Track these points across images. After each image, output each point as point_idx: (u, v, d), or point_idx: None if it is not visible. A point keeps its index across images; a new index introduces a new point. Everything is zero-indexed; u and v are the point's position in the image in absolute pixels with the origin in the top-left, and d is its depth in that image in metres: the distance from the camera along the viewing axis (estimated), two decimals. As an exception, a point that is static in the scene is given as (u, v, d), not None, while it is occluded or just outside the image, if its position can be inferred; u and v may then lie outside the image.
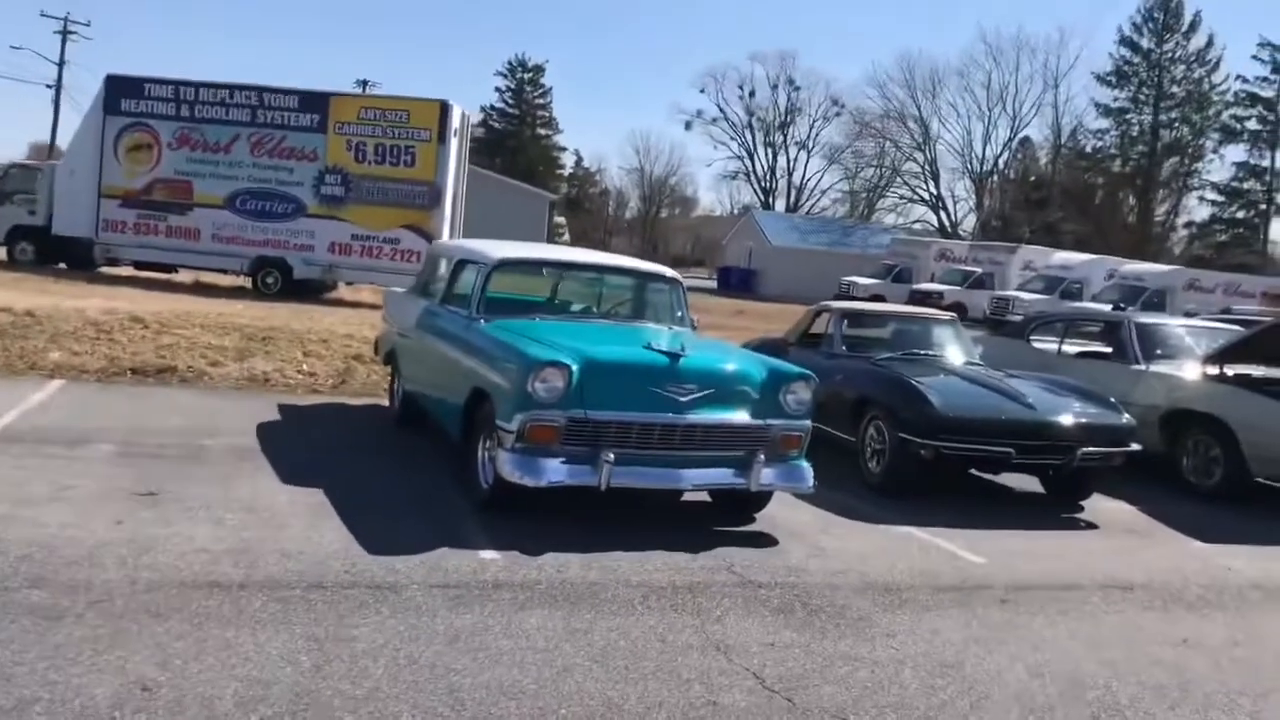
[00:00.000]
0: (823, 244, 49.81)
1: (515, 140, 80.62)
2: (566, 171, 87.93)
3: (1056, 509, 8.08)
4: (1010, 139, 61.74)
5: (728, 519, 6.64)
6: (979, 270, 36.09)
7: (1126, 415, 7.98)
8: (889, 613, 5.21)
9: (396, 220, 20.75)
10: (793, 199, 74.89)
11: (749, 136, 76.13)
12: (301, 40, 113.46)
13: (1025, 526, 7.39)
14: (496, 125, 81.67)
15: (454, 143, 20.98)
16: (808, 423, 6.49)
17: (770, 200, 74.81)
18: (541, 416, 5.86)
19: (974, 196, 61.79)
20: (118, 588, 4.53)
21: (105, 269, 21.56)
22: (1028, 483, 8.41)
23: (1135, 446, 7.90)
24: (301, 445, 7.82)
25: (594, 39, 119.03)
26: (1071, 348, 10.87)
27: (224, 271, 21.21)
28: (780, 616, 5.00)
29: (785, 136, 75.54)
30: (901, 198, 63.75)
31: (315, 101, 20.90)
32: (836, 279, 40.08)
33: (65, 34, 51.68)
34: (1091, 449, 7.63)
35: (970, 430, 7.48)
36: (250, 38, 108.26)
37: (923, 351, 9.17)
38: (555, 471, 5.86)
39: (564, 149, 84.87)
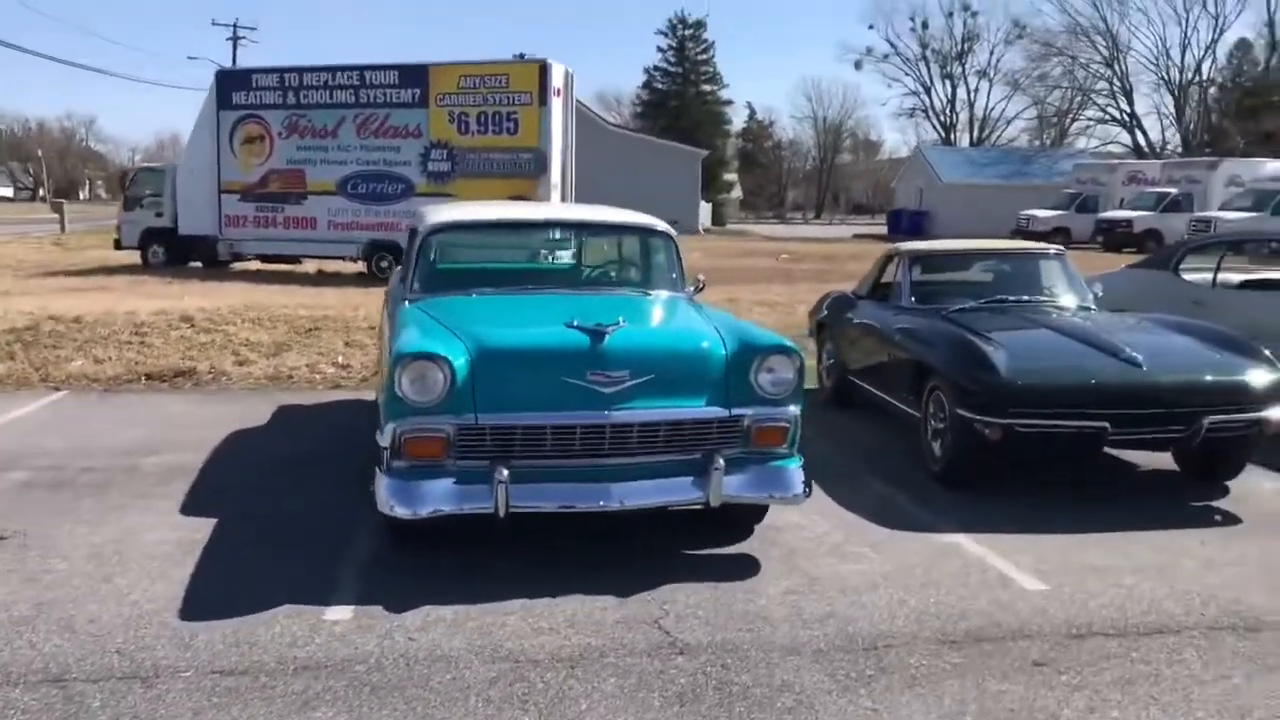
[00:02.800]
0: (1000, 177, 45.79)
1: (679, 100, 78.88)
2: (734, 127, 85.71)
3: (1189, 494, 6.14)
4: (1213, 41, 55.13)
5: (719, 532, 5.15)
6: (1174, 191, 32.09)
7: (1278, 368, 5.92)
8: (846, 694, 3.61)
9: (504, 191, 19.71)
10: (976, 133, 70.20)
11: (924, 70, 71.77)
12: (460, 19, 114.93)
13: (1132, 523, 5.51)
14: (660, 86, 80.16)
15: (557, 104, 19.79)
16: (793, 409, 4.89)
17: (952, 136, 70.40)
18: (419, 425, 4.53)
19: (1174, 111, 55.58)
20: None
21: (235, 264, 21.62)
22: (1161, 456, 6.47)
23: (1291, 409, 5.84)
24: (251, 460, 6.79)
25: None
26: (1237, 276, 8.62)
27: (342, 259, 20.85)
28: (673, 709, 3.50)
29: (964, 66, 70.76)
30: (1092, 120, 58.17)
31: (414, 74, 20.14)
32: (1015, 214, 36.81)
33: (235, 40, 53.65)
34: (1223, 416, 5.65)
35: (1050, 400, 5.65)
36: (410, 23, 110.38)
37: (1012, 298, 7.26)
38: (438, 497, 4.51)
39: (729, 103, 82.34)
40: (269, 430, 7.66)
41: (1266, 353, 6.01)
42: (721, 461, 4.65)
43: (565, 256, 6.50)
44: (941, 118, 72.26)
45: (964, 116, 71.40)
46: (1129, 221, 30.30)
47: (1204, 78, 55.42)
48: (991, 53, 68.70)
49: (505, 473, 4.44)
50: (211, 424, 7.72)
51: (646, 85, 76.81)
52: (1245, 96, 52.69)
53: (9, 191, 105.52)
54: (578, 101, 45.73)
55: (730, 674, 3.73)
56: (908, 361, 6.73)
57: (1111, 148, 54.49)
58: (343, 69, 20.61)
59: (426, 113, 19.99)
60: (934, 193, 46.06)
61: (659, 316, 5.46)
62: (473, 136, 19.82)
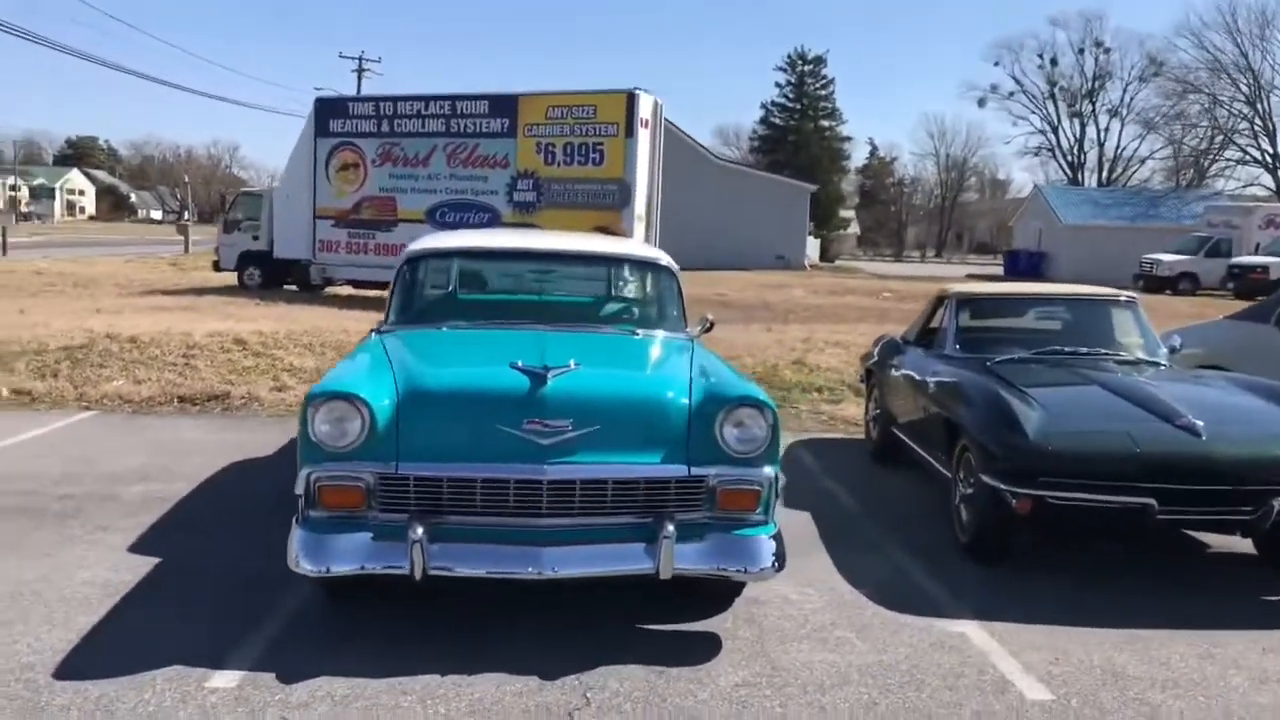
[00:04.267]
0: (1124, 219, 43.54)
1: (797, 134, 78.11)
2: (853, 162, 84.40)
3: (1263, 586, 5.26)
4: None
5: (694, 602, 4.57)
6: (1317, 236, 29.95)
7: (1373, 444, 5.02)
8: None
9: (587, 222, 19.41)
10: (1105, 173, 67.48)
11: (1051, 108, 69.50)
12: (577, 53, 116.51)
13: (1184, 618, 4.68)
14: (778, 121, 79.57)
15: (644, 135, 19.44)
16: (766, 470, 4.27)
17: (1080, 176, 67.81)
18: (335, 472, 4.08)
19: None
20: None
21: (327, 289, 21.85)
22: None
23: (1385, 490, 4.93)
24: (234, 493, 6.48)
25: (876, 24, 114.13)
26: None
27: (429, 286, 20.81)
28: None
29: (1094, 104, 68.22)
30: (1231, 161, 55.07)
31: (504, 104, 20.09)
32: (1139, 258, 34.93)
33: (360, 72, 55.19)
34: (1295, 499, 4.79)
35: (1086, 470, 4.89)
36: (526, 52, 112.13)
37: (1069, 349, 6.46)
38: (350, 554, 4.04)
39: (848, 139, 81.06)
40: (270, 462, 7.35)
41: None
42: (672, 529, 4.06)
43: (565, 289, 6.01)
44: (1069, 157, 69.77)
45: (1092, 156, 68.79)
46: (1264, 267, 28.31)
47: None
48: (1124, 90, 66.08)
49: (420, 531, 3.95)
50: (217, 451, 7.48)
51: (764, 120, 76.34)
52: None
53: (159, 214, 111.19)
54: (686, 135, 45.62)
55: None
56: (939, 417, 6.03)
57: (1254, 190, 51.57)
58: (435, 98, 20.70)
59: (514, 142, 19.89)
60: (1053, 234, 44.17)
61: (627, 359, 4.91)
62: (559, 167, 19.63)
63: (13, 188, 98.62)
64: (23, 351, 10.66)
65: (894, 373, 7.40)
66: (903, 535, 5.96)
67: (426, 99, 20.76)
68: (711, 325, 6.17)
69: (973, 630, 4.53)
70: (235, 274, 22.53)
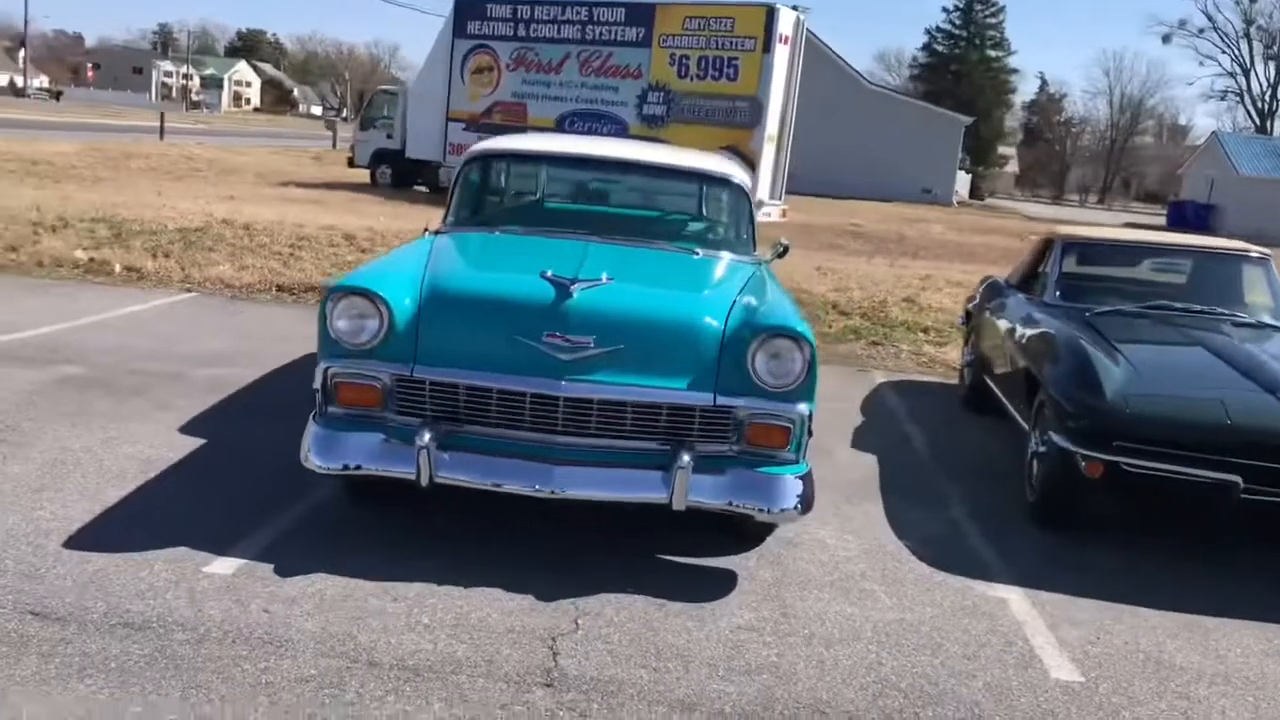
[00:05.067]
0: (1310, 174, 40.33)
1: (960, 63, 74.61)
2: (1019, 97, 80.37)
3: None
4: None
5: (726, 536, 4.38)
6: None
7: None
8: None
9: (716, 140, 18.91)
10: (1297, 123, 62.51)
11: (1244, 49, 64.51)
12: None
13: (1252, 608, 4.23)
14: (941, 49, 76.11)
15: (782, 52, 18.75)
16: (800, 407, 4.00)
17: (1269, 125, 63.06)
18: (350, 369, 3.99)
19: None
20: None
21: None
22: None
23: None
24: (301, 385, 6.48)
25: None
26: None
27: (553, 196, 20.78)
28: (473, 758, 2.81)
29: (1293, 47, 62.95)
30: None
31: (641, 13, 19.63)
32: (1319, 217, 32.32)
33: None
34: (1407, 491, 4.25)
35: (1166, 438, 4.43)
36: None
37: (1182, 305, 5.89)
38: (359, 453, 3.96)
39: (1014, 71, 77.19)
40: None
41: None
42: (688, 458, 3.84)
43: (631, 201, 5.75)
44: (1259, 104, 64.85)
45: (1286, 104, 63.68)
46: None
47: None
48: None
49: (428, 437, 3.83)
50: (301, 341, 7.55)
51: (926, 47, 73.26)
52: None
53: (319, 109, 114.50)
54: (837, 56, 44.07)
55: (579, 726, 3.00)
56: (1023, 368, 5.59)
57: None
58: (572, 3, 20.36)
59: (649, 53, 19.49)
60: (1227, 185, 41.18)
61: (671, 278, 4.64)
62: (691, 80, 19.17)
63: (185, 76, 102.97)
64: (143, 230, 11.04)
65: (991, 316, 6.93)
66: (970, 489, 5.58)
67: (563, 4, 20.45)
68: (786, 250, 5.85)
69: (1015, 597, 4.20)
70: (368, 171, 22.93)
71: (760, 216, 19.10)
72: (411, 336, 3.98)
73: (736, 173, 5.59)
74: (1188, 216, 40.68)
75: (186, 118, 60.81)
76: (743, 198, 5.47)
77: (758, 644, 3.59)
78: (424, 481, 3.87)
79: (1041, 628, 3.94)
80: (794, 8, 18.88)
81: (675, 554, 4.28)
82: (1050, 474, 4.89)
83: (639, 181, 5.82)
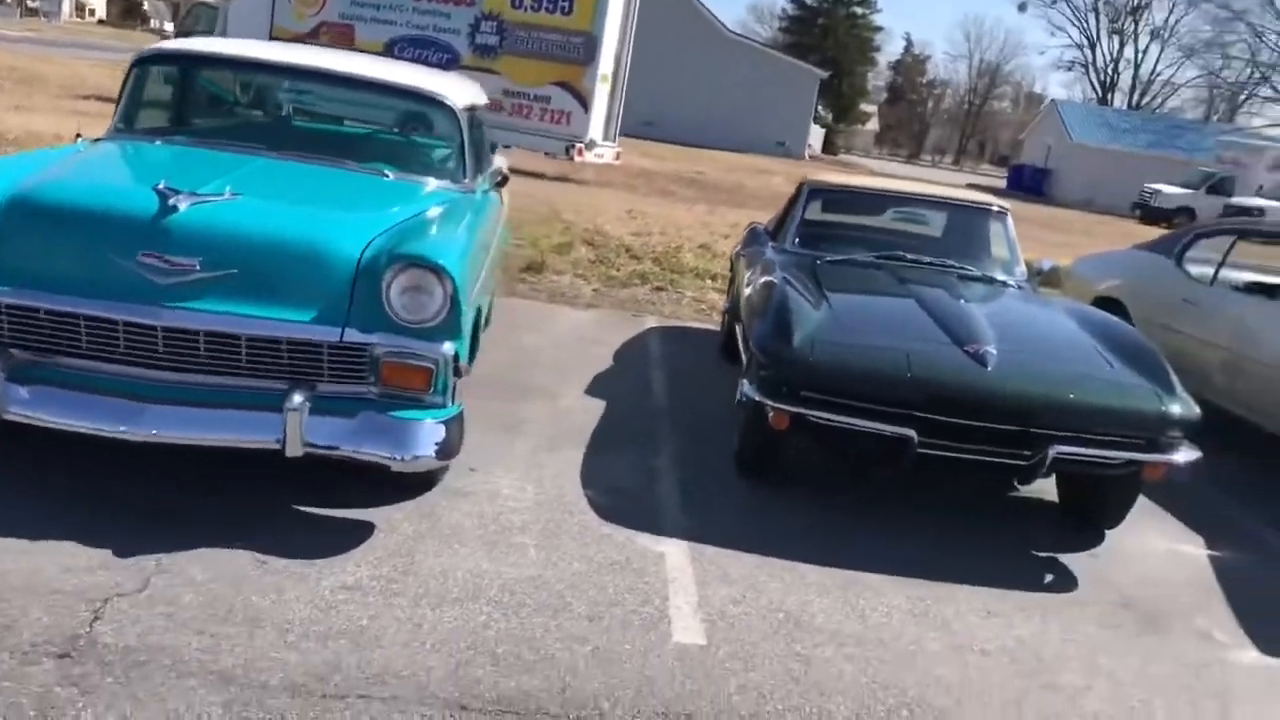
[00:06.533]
0: (1138, 145, 41.90)
1: (828, 19, 75.16)
2: (883, 57, 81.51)
3: (1048, 538, 4.69)
4: None
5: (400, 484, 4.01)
6: (1322, 185, 28.76)
7: (1178, 397, 4.36)
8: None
9: (548, 75, 18.47)
10: (1136, 97, 65.17)
11: (1092, 22, 66.58)
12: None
13: (924, 567, 4.11)
14: (809, 2, 76.56)
15: (620, -12, 18.26)
16: (444, 346, 3.64)
17: (1110, 97, 65.52)
18: (-88, 289, 3.45)
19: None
20: None
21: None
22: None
23: (1184, 453, 4.30)
24: None
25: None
26: (1244, 275, 6.88)
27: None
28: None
29: (1137, 23, 65.34)
30: (1264, 99, 52.92)
31: (476, -63, 18.80)
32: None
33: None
34: (1074, 448, 4.18)
35: (848, 389, 4.24)
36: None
37: (912, 256, 5.76)
38: (-77, 383, 3.45)
39: (879, 29, 78.17)
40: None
41: (1175, 380, 4.45)
42: (300, 399, 3.45)
43: (329, 117, 5.28)
44: (1102, 76, 67.25)
45: (1126, 78, 66.30)
46: (1261, 210, 27.19)
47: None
48: (1170, 11, 63.20)
49: (-3, 369, 3.34)
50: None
51: (795, 0, 73.38)
52: None
53: (171, 25, 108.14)
54: (701, 3, 43.59)
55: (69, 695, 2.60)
56: (746, 315, 5.38)
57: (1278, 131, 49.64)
58: (404, -79, 19.37)
59: (482, -21, 18.72)
60: (1062, 151, 42.65)
61: (320, 199, 4.20)
62: (525, 11, 18.49)
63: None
64: None
65: (743, 263, 6.72)
66: (690, 439, 5.35)
67: (395, -80, 19.43)
68: (505, 180, 5.47)
69: (678, 552, 3.97)
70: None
71: (592, 158, 18.66)
72: (-13, 253, 3.46)
73: (453, 93, 5.15)
74: (1025, 180, 42.04)
75: (17, 24, 56.42)
76: (453, 119, 5.04)
77: (354, 606, 3.25)
78: (-5, 417, 3.39)
79: (689, 585, 3.72)
80: (633, -55, 18.39)
81: (318, 504, 3.90)
82: (746, 424, 4.70)
83: (347, 96, 5.34)
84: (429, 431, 3.66)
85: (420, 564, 3.59)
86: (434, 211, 4.33)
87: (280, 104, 5.27)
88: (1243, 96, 57.77)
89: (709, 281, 9.79)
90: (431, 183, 4.78)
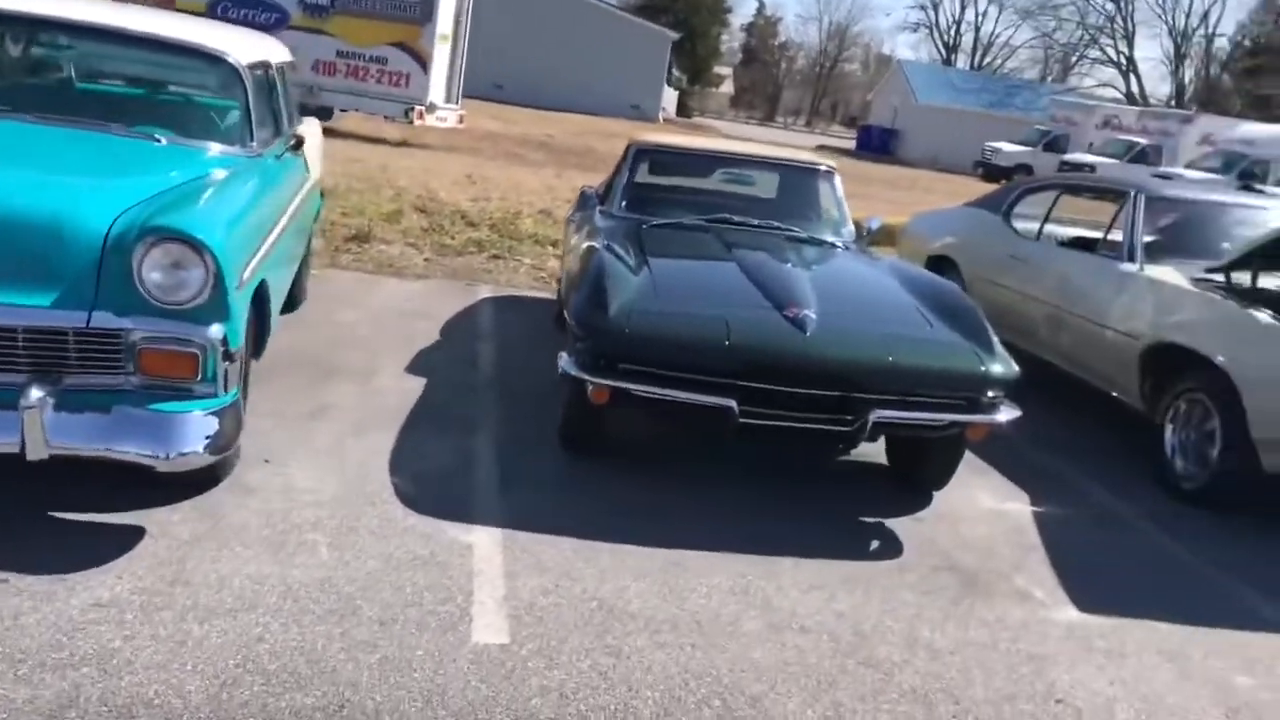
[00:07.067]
0: (980, 105, 43.25)
1: (679, -20, 74.91)
2: (736, 19, 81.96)
3: (878, 503, 4.61)
4: (1226, -12, 52.20)
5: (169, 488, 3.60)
6: (1144, 142, 30.19)
7: (997, 356, 4.31)
8: None
9: (384, 36, 17.79)
10: (978, 58, 67.35)
11: (936, -16, 68.44)
12: None
13: (755, 542, 3.97)
14: (661, -37, 76.09)
15: (455, -56, 17.65)
16: (211, 330, 3.27)
17: (953, 58, 67.54)
18: None
19: (1172, 59, 52.62)
20: None
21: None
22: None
23: (1005, 412, 4.27)
24: None
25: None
26: (1069, 231, 6.99)
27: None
28: None
29: (977, -14, 67.48)
30: (1092, 60, 55.28)
31: (301, -111, 17.86)
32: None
33: None
34: (895, 413, 4.09)
35: (667, 360, 4.05)
36: None
37: (739, 219, 5.61)
38: None
39: (733, -8, 78.44)
40: None
41: (994, 339, 4.41)
42: (38, 395, 3.05)
43: (103, 76, 4.79)
44: (945, 38, 69.27)
45: (968, 40, 68.43)
46: (1093, 167, 28.40)
47: (1210, 29, 52.68)
48: (1009, -27, 65.36)
49: None
50: None
51: (646, -40, 72.96)
52: (1249, 55, 50.02)
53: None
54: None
55: None
56: (564, 285, 5.13)
57: (1108, 91, 52.03)
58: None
59: (311, -66, 17.81)
60: (908, 112, 43.73)
61: (68, 166, 3.74)
62: (358, -32, 17.71)
63: None
64: None
65: (572, 229, 6.46)
66: (513, 417, 5.08)
67: None
68: (300, 142, 5.07)
69: (487, 542, 3.71)
70: None
71: (434, 121, 18.01)
72: None
73: (236, 49, 4.70)
74: (873, 140, 42.95)
75: None
76: (235, 78, 4.59)
77: (107, 626, 2.88)
78: None
79: (497, 578, 3.47)
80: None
81: (80, 509, 3.49)
82: (567, 399, 4.47)
83: (119, 54, 4.82)
84: (198, 424, 3.30)
85: (192, 572, 3.23)
86: (210, 178, 3.94)
87: (42, 62, 4.72)
88: (1074, 58, 60.24)
89: (550, 248, 9.52)
90: (214, 148, 4.36)
